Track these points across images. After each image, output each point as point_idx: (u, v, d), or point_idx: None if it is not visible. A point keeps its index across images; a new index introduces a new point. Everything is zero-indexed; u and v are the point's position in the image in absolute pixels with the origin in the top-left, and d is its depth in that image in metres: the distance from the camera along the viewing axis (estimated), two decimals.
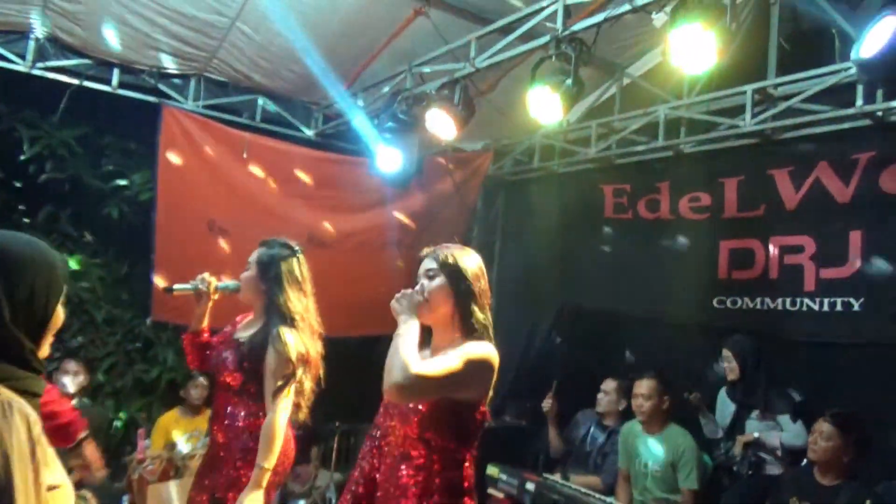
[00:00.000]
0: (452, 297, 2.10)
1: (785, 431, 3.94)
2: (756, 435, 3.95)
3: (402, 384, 1.86)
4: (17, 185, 5.20)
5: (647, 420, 4.02)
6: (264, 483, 2.62)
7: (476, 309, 2.09)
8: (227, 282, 2.98)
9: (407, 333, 1.98)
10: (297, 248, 2.95)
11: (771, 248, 4.52)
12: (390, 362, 1.92)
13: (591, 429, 4.56)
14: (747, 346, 4.16)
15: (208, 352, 2.98)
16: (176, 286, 2.96)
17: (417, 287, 2.14)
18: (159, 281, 4.78)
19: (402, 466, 2.00)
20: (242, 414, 2.76)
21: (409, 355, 1.90)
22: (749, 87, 4.24)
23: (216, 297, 2.98)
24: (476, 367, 1.97)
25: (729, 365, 4.13)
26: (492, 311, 2.21)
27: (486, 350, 2.02)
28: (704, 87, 4.61)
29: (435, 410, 1.97)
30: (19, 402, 1.22)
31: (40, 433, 1.23)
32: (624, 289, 5.35)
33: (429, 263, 2.16)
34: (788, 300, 4.40)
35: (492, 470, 4.22)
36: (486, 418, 2.06)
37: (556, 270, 5.83)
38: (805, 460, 3.49)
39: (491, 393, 2.06)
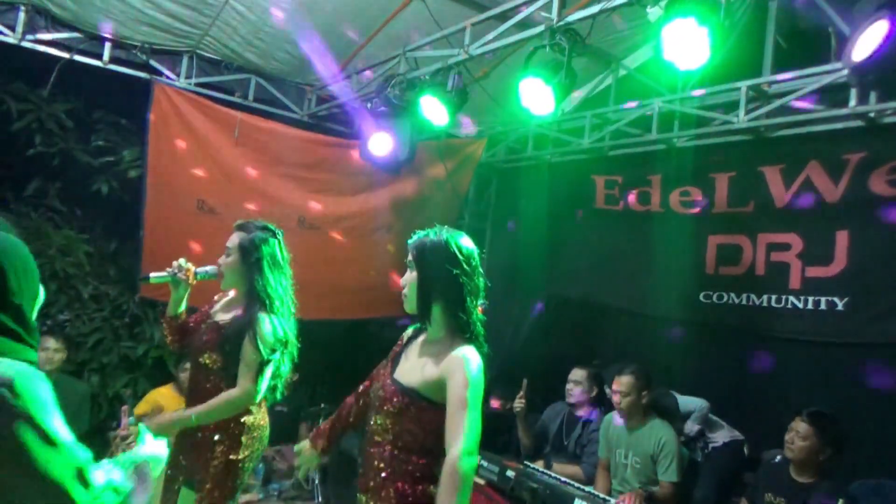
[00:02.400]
0: (423, 292, 2.05)
1: (692, 416, 4.25)
2: (682, 437, 4.16)
3: (468, 465, 1.85)
4: (5, 158, 5.15)
5: (627, 415, 4.04)
6: (177, 426, 2.70)
7: (449, 302, 2.03)
8: (206, 268, 2.95)
9: None
10: (275, 229, 2.94)
11: (758, 244, 4.54)
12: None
13: (564, 421, 4.59)
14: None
15: (187, 333, 2.98)
16: (152, 275, 2.91)
17: (403, 278, 2.12)
18: (147, 260, 4.77)
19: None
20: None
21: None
22: (743, 84, 4.24)
23: (194, 282, 2.96)
24: (478, 386, 1.94)
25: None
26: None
27: (475, 364, 1.96)
28: (699, 82, 4.59)
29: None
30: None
31: None
32: (611, 280, 5.37)
33: (409, 254, 2.11)
34: (774, 297, 4.43)
35: None
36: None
37: (546, 259, 5.84)
38: (779, 457, 3.52)
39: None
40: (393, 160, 4.89)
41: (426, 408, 1.98)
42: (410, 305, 2.11)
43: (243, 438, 2.76)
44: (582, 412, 4.49)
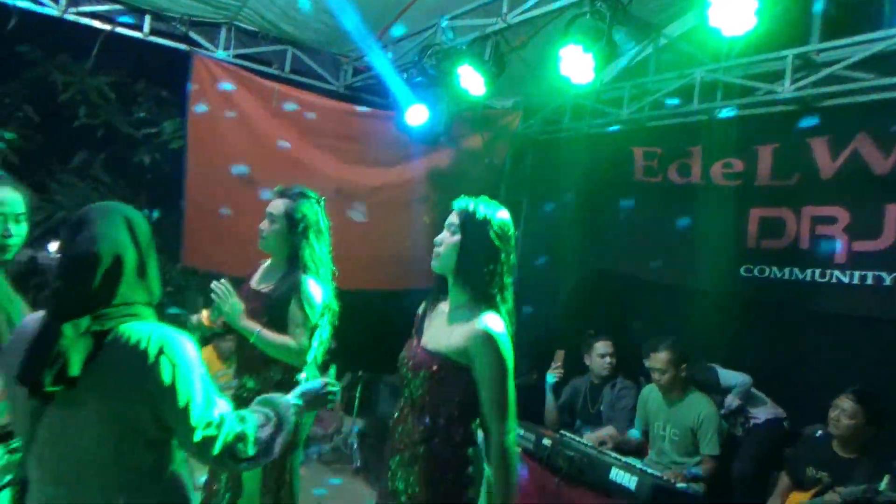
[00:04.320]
0: (465, 257, 2.06)
1: (733, 391, 4.18)
2: (723, 411, 4.12)
3: (514, 442, 2.01)
4: (54, 129, 5.28)
5: (666, 390, 4.03)
6: (238, 325, 2.72)
7: (486, 274, 2.05)
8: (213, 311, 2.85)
9: None
10: (317, 196, 2.96)
11: (803, 217, 4.44)
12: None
13: (587, 393, 4.64)
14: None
15: None
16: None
17: (438, 237, 2.13)
18: (189, 229, 4.87)
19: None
20: (271, 362, 2.78)
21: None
22: (790, 52, 4.11)
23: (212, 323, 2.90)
24: (508, 361, 2.00)
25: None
26: (515, 270, 2.18)
27: (502, 338, 2.00)
28: (743, 51, 4.47)
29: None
30: None
31: None
32: (649, 253, 5.31)
33: (453, 217, 2.13)
34: (818, 271, 4.34)
35: None
36: None
37: (582, 232, 5.80)
38: (820, 431, 3.49)
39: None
40: (429, 131, 4.89)
41: (458, 371, 2.03)
42: (441, 265, 2.12)
43: None
44: (602, 380, 4.58)
